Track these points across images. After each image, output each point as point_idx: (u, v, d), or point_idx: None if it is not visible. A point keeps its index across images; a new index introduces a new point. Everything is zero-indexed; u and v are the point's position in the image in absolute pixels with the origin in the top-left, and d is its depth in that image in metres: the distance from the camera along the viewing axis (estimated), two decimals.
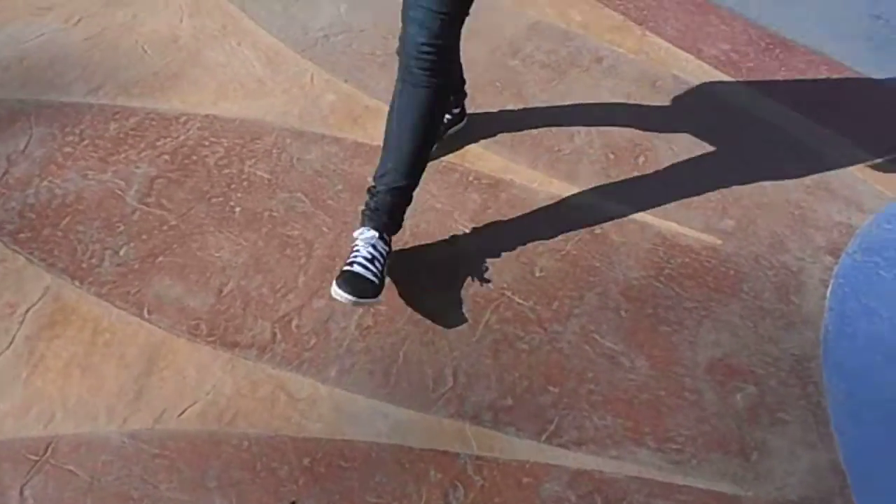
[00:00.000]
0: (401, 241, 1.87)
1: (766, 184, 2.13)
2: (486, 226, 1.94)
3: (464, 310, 1.75)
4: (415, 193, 1.75)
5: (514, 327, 1.72)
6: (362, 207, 1.73)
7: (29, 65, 2.28)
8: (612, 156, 2.17)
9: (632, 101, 2.35)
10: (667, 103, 2.35)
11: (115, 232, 1.86)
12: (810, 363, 1.71)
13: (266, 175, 2.02)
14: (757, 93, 2.43)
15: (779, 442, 1.57)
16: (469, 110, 2.23)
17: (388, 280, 1.76)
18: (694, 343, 1.72)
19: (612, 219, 1.98)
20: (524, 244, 1.90)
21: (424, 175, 2.02)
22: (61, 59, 2.32)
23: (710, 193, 2.08)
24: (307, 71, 2.33)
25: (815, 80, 2.49)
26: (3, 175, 1.94)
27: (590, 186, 2.06)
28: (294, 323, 1.70)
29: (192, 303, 1.72)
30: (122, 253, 1.81)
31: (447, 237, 1.90)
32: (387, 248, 1.70)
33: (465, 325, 1.72)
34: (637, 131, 2.25)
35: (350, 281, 1.63)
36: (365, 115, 2.20)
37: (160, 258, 1.81)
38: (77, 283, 1.74)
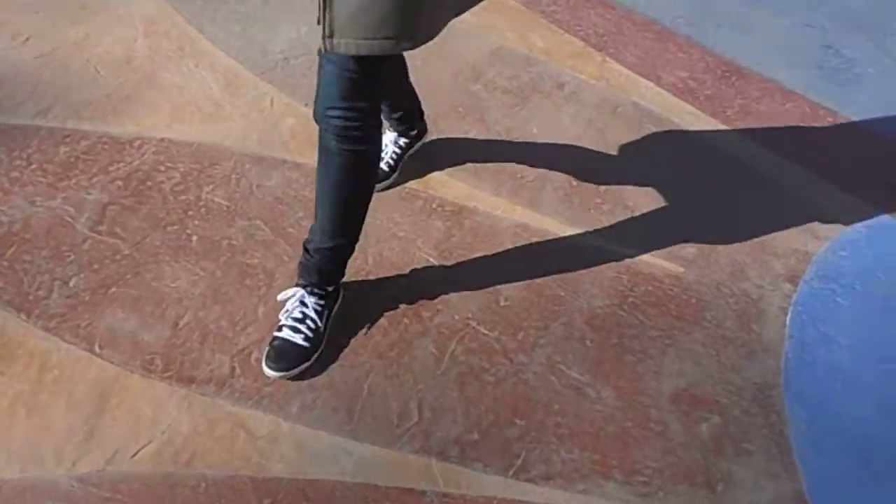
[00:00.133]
0: (363, 270, 1.84)
1: (726, 211, 2.16)
2: (451, 254, 1.92)
3: (428, 341, 1.72)
4: (357, 245, 1.67)
5: (479, 359, 1.70)
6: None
7: None
8: (574, 182, 2.17)
9: (593, 128, 2.37)
10: (628, 130, 2.37)
11: (64, 262, 1.78)
12: (772, 392, 1.72)
13: (224, 202, 1.97)
14: (715, 121, 2.46)
15: (743, 473, 1.58)
16: (432, 136, 2.21)
17: (350, 311, 1.73)
18: (659, 373, 1.72)
19: (575, 247, 1.98)
20: (489, 273, 1.88)
21: (387, 202, 2.01)
22: (9, 79, 2.23)
23: (672, 221, 2.10)
24: (267, 94, 2.28)
25: (769, 109, 2.54)
26: None
27: (553, 214, 2.06)
28: (254, 356, 1.65)
29: (147, 336, 1.66)
30: (71, 284, 1.74)
31: (410, 265, 1.88)
32: (321, 301, 1.65)
33: (430, 357, 1.69)
34: (599, 158, 2.26)
35: (276, 353, 1.60)
36: None
37: (113, 289, 1.74)
38: (23, 316, 1.66)
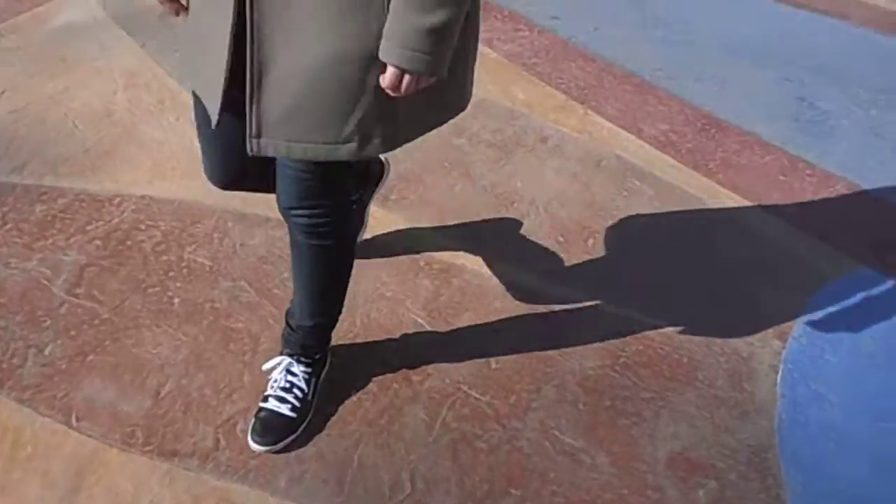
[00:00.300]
0: (350, 332, 1.80)
1: (711, 266, 2.16)
2: (439, 314, 1.88)
3: (419, 407, 1.68)
4: (341, 318, 1.62)
5: (471, 425, 1.66)
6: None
7: None
8: (561, 238, 2.16)
9: (578, 182, 2.37)
10: (612, 184, 2.38)
11: (40, 327, 1.72)
12: (767, 454, 1.70)
13: (207, 262, 1.92)
14: (697, 174, 2.49)
15: None
16: (417, 191, 2.19)
17: (337, 376, 1.68)
18: (653, 436, 1.70)
19: (565, 305, 1.96)
20: (478, 334, 1.85)
21: (373, 261, 1.97)
22: None
23: (659, 277, 2.09)
24: None
25: (749, 161, 2.58)
26: None
27: (541, 271, 2.05)
28: (239, 427, 1.59)
29: (127, 407, 1.60)
30: (47, 352, 1.67)
31: (399, 327, 1.84)
32: (308, 369, 1.60)
33: (421, 424, 1.65)
34: (585, 213, 2.26)
35: (262, 426, 1.54)
36: None
37: (91, 357, 1.67)
38: None
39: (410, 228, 2.10)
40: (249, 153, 1.19)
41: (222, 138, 1.31)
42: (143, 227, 1.98)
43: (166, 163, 2.18)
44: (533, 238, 2.14)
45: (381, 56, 1.10)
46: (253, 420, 1.56)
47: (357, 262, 1.59)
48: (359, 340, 1.79)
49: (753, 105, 2.89)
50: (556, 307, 1.96)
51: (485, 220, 2.18)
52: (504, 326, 1.88)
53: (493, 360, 1.80)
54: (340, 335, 1.74)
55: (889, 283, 2.18)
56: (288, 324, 1.58)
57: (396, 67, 1.10)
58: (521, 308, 1.94)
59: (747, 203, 2.41)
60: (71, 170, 2.11)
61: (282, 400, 1.56)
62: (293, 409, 1.56)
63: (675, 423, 1.73)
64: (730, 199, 2.41)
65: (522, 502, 1.55)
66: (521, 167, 2.40)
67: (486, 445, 1.63)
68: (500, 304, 1.94)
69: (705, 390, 1.81)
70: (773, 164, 2.59)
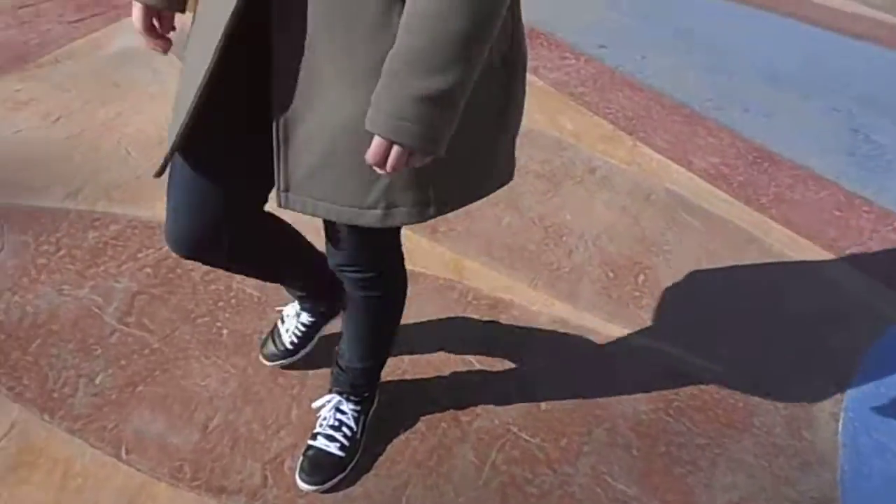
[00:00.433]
0: (399, 369, 1.78)
1: (767, 306, 2.10)
2: (487, 352, 1.85)
3: (468, 448, 1.65)
4: (389, 360, 1.61)
5: (521, 468, 1.62)
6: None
7: (1, 164, 2.17)
8: (611, 274, 2.12)
9: (627, 215, 2.33)
10: (662, 218, 2.34)
11: (91, 356, 1.72)
12: None
13: (255, 292, 1.91)
14: (749, 209, 2.43)
15: None
16: (465, 223, 2.17)
17: (385, 414, 1.66)
18: (710, 486, 1.64)
19: (616, 344, 1.92)
20: (528, 373, 1.82)
21: (422, 295, 1.95)
22: (39, 160, 2.21)
23: (712, 317, 2.04)
24: None
25: (803, 197, 2.51)
26: None
27: (591, 308, 2.01)
28: (287, 464, 1.57)
29: (175, 440, 1.59)
30: (98, 381, 1.67)
31: (447, 364, 1.81)
32: (357, 407, 1.58)
33: (470, 466, 1.61)
34: (635, 248, 2.22)
35: (310, 465, 1.52)
36: None
37: (140, 387, 1.67)
38: (47, 416, 1.59)
39: (457, 260, 2.07)
40: (278, 206, 1.14)
41: (198, 191, 1.22)
42: None
43: None
44: (583, 273, 2.11)
45: (367, 126, 0.97)
46: (301, 458, 1.54)
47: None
48: (407, 377, 1.77)
49: (804, 137, 2.83)
50: (607, 346, 1.91)
51: (533, 254, 2.15)
52: (553, 366, 1.84)
53: (542, 401, 1.76)
54: (388, 371, 1.71)
55: None
56: (337, 364, 1.57)
57: (384, 139, 0.96)
58: (571, 347, 1.90)
59: (802, 240, 2.34)
60: (123, 196, 2.13)
61: (331, 438, 1.54)
62: (342, 447, 1.54)
63: (732, 472, 1.67)
64: (783, 236, 2.35)
65: None
66: (570, 199, 2.36)
67: (536, 490, 1.59)
68: (549, 342, 1.90)
69: (763, 438, 1.75)
70: (829, 199, 2.53)
